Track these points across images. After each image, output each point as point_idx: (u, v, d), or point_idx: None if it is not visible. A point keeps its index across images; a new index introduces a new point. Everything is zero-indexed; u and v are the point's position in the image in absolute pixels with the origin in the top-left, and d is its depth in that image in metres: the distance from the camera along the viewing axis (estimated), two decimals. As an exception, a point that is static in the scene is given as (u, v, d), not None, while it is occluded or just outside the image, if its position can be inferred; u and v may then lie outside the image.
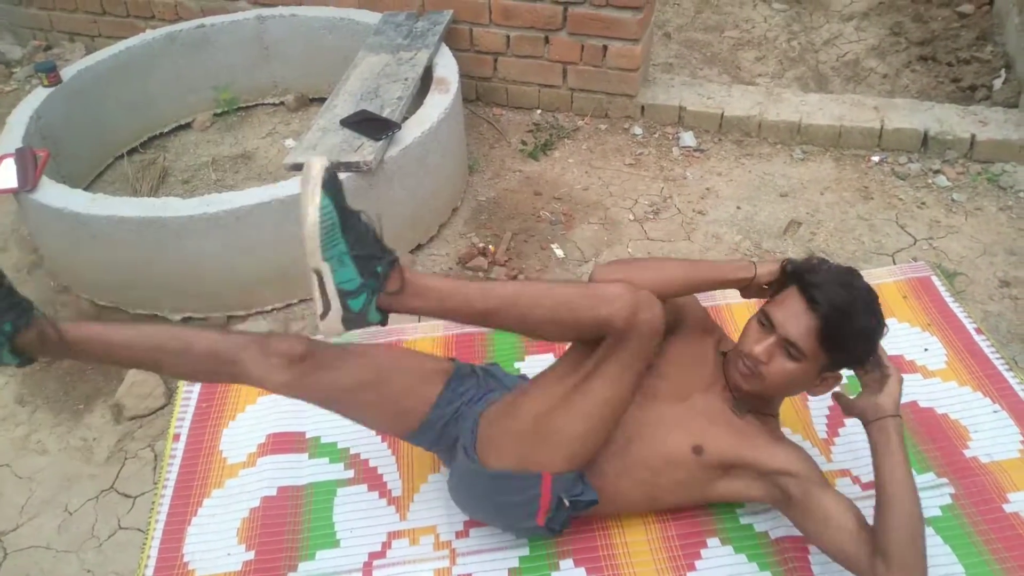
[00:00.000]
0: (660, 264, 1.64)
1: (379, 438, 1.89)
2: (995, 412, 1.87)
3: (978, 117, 2.80)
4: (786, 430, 1.83)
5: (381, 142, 2.28)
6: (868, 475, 1.74)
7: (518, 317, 1.41)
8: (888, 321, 2.09)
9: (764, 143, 2.93)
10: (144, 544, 1.70)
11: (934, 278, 2.23)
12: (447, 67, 2.71)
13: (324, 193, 1.24)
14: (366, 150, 2.25)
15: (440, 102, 2.51)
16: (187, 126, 3.19)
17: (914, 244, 2.46)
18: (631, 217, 2.64)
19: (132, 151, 3.05)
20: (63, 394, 2.14)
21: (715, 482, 1.54)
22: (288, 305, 2.35)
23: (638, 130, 3.02)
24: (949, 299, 2.17)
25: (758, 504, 1.69)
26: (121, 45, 2.96)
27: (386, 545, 1.67)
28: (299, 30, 3.10)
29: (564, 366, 1.50)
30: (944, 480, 1.72)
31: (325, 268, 1.28)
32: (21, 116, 2.55)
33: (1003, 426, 1.83)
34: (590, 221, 2.63)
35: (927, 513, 1.66)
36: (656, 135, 3.00)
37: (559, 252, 2.51)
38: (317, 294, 1.30)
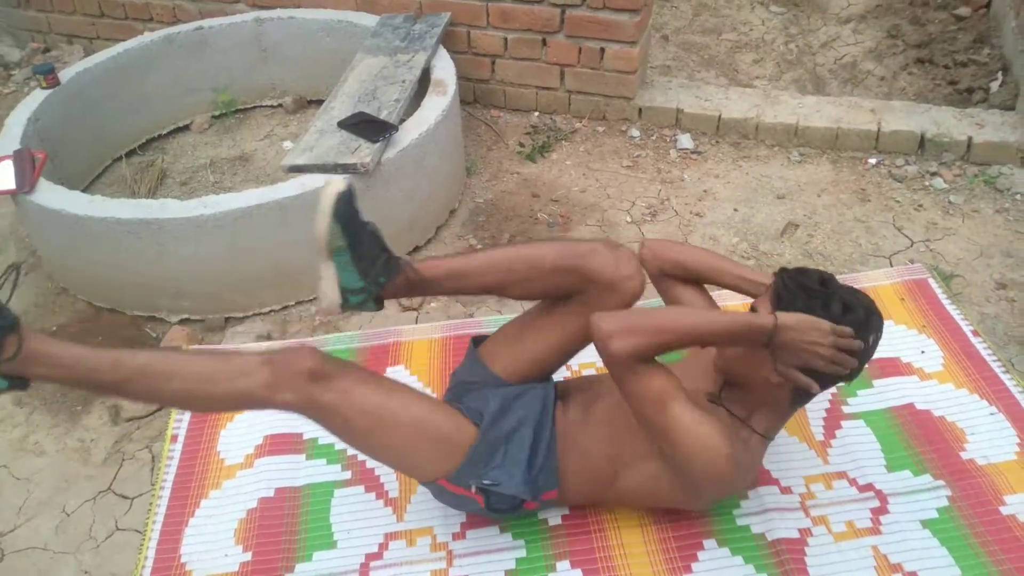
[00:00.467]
0: (694, 248, 1.76)
1: (376, 440, 1.90)
2: (992, 414, 1.87)
3: (975, 119, 2.81)
4: (783, 431, 1.84)
5: (378, 144, 2.28)
6: (865, 477, 1.75)
7: (152, 389, 1.40)
8: (885, 323, 2.11)
9: (761, 145, 2.94)
10: (141, 545, 1.71)
11: (931, 280, 2.24)
12: (445, 69, 2.71)
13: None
14: (363, 152, 2.25)
15: (437, 104, 2.51)
16: (185, 128, 3.19)
17: (911, 246, 2.47)
18: (628, 219, 2.65)
19: (130, 153, 3.05)
20: (61, 395, 2.14)
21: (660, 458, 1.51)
22: (286, 307, 2.35)
23: (635, 132, 3.02)
24: (946, 301, 2.17)
25: (755, 505, 1.69)
26: (119, 47, 2.96)
27: (383, 546, 1.67)
28: (297, 32, 3.11)
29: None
30: (941, 482, 1.73)
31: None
32: (19, 118, 2.55)
33: (1000, 428, 1.84)
34: (587, 223, 2.64)
35: (923, 515, 1.67)
36: (653, 137, 3.01)
37: (557, 254, 2.51)
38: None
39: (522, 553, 1.63)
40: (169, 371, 1.39)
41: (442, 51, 2.83)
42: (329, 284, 1.48)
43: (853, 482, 1.74)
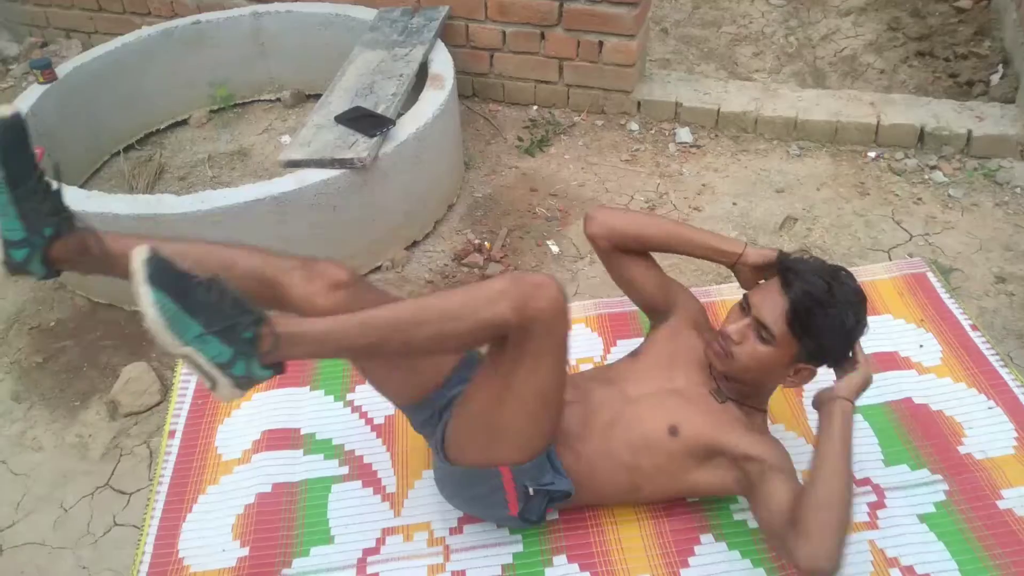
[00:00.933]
0: (649, 215, 1.67)
1: (374, 434, 1.90)
2: (990, 408, 1.87)
3: (975, 113, 2.80)
4: (780, 426, 1.84)
5: (376, 138, 2.27)
6: (862, 471, 1.75)
7: (405, 343, 1.34)
8: (883, 317, 2.11)
9: (760, 139, 2.93)
10: (139, 541, 1.71)
11: (930, 274, 2.23)
12: (443, 63, 2.71)
13: (152, 288, 1.19)
14: (361, 146, 2.25)
15: (435, 98, 2.50)
16: (183, 123, 3.18)
17: (910, 240, 2.46)
18: (627, 213, 2.64)
19: (128, 148, 3.05)
20: (59, 391, 2.14)
21: (693, 470, 1.53)
22: (284, 302, 2.34)
23: (634, 126, 3.01)
24: (945, 295, 2.16)
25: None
26: (117, 42, 2.95)
27: (380, 541, 1.67)
28: (295, 26, 3.10)
29: (491, 360, 1.46)
30: (938, 477, 1.73)
31: (190, 351, 1.22)
32: (16, 113, 2.54)
33: (998, 423, 1.84)
34: (586, 217, 2.63)
35: (920, 510, 1.67)
36: (652, 131, 3.00)
37: (555, 248, 2.51)
38: (198, 373, 1.26)
39: (519, 548, 1.64)
40: (417, 319, 1.33)
41: (440, 45, 2.82)
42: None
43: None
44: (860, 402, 1.87)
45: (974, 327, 2.06)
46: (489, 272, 2.41)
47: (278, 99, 3.28)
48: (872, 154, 2.81)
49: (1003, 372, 1.95)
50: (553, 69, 3.05)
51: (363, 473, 1.81)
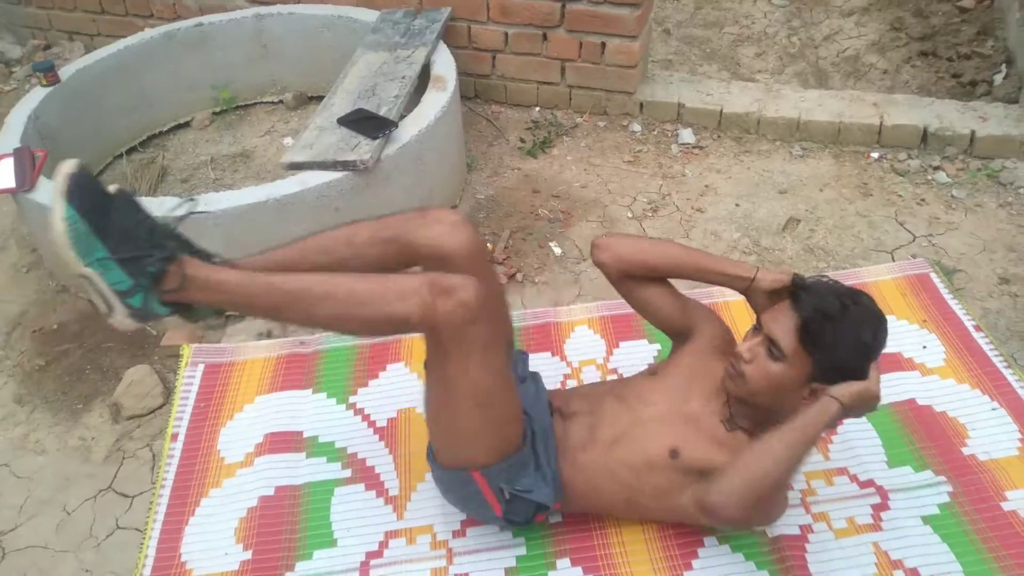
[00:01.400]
0: (658, 241, 1.64)
1: (376, 437, 1.90)
2: (993, 410, 1.86)
3: (978, 113, 2.79)
4: (783, 428, 1.83)
5: (378, 140, 2.27)
6: (865, 473, 1.75)
7: (307, 313, 1.35)
8: (887, 318, 2.10)
9: (763, 140, 2.92)
10: (142, 544, 1.71)
11: (933, 275, 2.23)
12: (445, 65, 2.71)
13: (66, 203, 1.18)
14: (363, 149, 2.25)
15: (438, 100, 2.50)
16: (186, 125, 3.19)
17: (913, 241, 2.46)
18: (629, 215, 2.64)
19: (131, 150, 3.05)
20: (61, 394, 2.14)
21: (688, 490, 1.50)
22: (286, 304, 2.34)
23: (637, 127, 3.01)
24: (948, 296, 2.16)
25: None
26: (120, 44, 2.96)
27: (383, 544, 1.67)
28: (297, 28, 3.10)
29: (428, 360, 1.46)
30: (942, 478, 1.72)
31: (90, 273, 1.21)
32: (19, 116, 2.54)
33: (1001, 424, 1.83)
34: (588, 219, 2.63)
35: (924, 511, 1.67)
36: (655, 132, 2.99)
37: (557, 250, 2.51)
38: (95, 296, 1.24)
39: (522, 551, 1.63)
40: (323, 293, 1.34)
41: (442, 46, 2.82)
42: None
43: (854, 478, 1.74)
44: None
45: (977, 328, 2.06)
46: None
47: (280, 101, 3.28)
48: (875, 155, 2.80)
49: (1007, 373, 1.94)
50: (555, 70, 3.05)
51: (366, 476, 1.81)
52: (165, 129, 3.15)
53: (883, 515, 1.66)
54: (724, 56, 3.49)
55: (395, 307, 1.32)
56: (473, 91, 3.20)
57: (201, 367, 2.06)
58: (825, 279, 1.48)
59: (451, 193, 2.69)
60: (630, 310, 2.14)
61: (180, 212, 1.40)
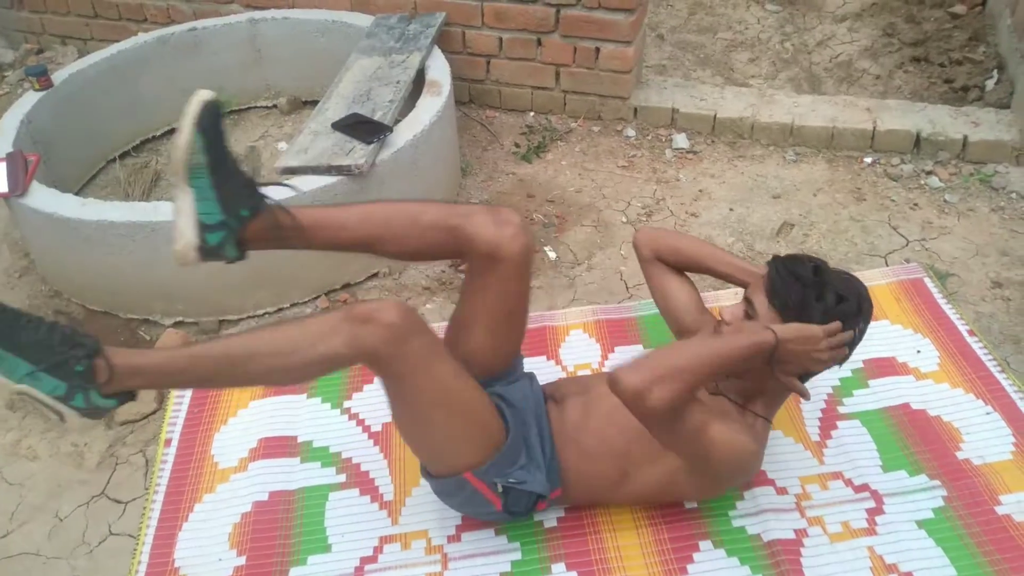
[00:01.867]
0: (686, 235, 1.83)
1: (371, 442, 1.89)
2: (987, 414, 1.87)
3: (970, 118, 2.81)
4: (778, 432, 1.84)
5: (373, 145, 2.27)
6: (860, 477, 1.75)
7: (239, 375, 1.38)
8: (880, 323, 2.12)
9: (757, 145, 2.93)
10: (135, 550, 1.70)
11: (926, 279, 2.24)
12: (439, 70, 2.71)
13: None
14: (357, 153, 2.24)
15: (432, 105, 2.51)
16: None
17: (907, 245, 2.47)
18: (624, 219, 2.64)
19: (124, 155, 3.04)
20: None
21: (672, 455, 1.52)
22: (280, 309, 2.34)
23: (631, 132, 3.02)
24: (941, 301, 2.17)
25: (751, 506, 1.69)
26: (113, 48, 2.95)
27: (378, 550, 1.67)
28: (291, 33, 3.10)
29: (382, 384, 1.49)
30: (936, 482, 1.72)
31: (25, 389, 1.26)
32: (11, 120, 2.53)
33: (995, 428, 1.84)
34: (583, 224, 2.63)
35: (919, 516, 1.67)
36: (649, 137, 3.00)
37: (552, 254, 2.51)
38: (41, 409, 1.28)
39: (517, 556, 1.63)
40: (246, 353, 1.35)
41: (437, 51, 2.82)
42: (186, 219, 1.32)
43: (848, 483, 1.74)
44: (858, 408, 1.90)
45: (971, 332, 2.07)
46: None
47: (274, 106, 3.28)
48: (868, 160, 2.81)
49: (1000, 377, 1.95)
50: (550, 75, 3.05)
51: (360, 481, 1.80)
52: (159, 133, 3.14)
53: (878, 519, 1.66)
54: (718, 61, 3.50)
55: (320, 348, 1.33)
56: (468, 96, 3.20)
57: (195, 372, 2.05)
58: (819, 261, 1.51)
59: (446, 198, 2.68)
60: (625, 315, 2.16)
61: (252, 161, 1.44)
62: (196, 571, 1.65)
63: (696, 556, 1.61)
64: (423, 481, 1.77)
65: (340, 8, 3.11)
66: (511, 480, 1.50)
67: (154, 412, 2.05)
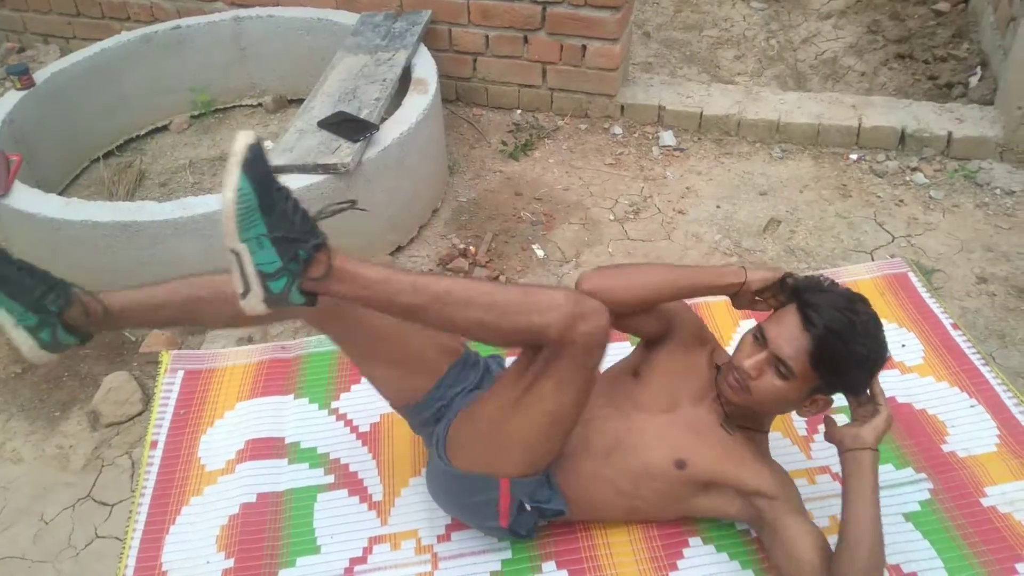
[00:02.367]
0: (646, 271, 1.59)
1: (359, 442, 1.88)
2: (972, 407, 1.88)
3: (955, 115, 2.83)
4: (775, 434, 1.84)
5: (359, 144, 2.26)
6: (848, 472, 1.75)
7: (446, 317, 1.33)
8: (881, 322, 2.11)
9: (743, 142, 2.94)
10: (122, 553, 1.68)
11: (911, 274, 2.25)
12: (426, 67, 2.70)
13: (243, 174, 1.18)
14: (344, 152, 2.23)
15: (419, 103, 2.50)
16: (164, 128, 3.16)
17: (892, 241, 2.48)
18: (611, 217, 2.65)
19: (108, 154, 3.02)
20: (38, 401, 2.11)
21: (695, 497, 1.54)
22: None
23: (618, 130, 3.02)
24: (926, 295, 2.18)
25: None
26: (96, 47, 2.93)
27: (367, 550, 1.66)
28: (276, 31, 3.08)
29: (515, 369, 1.46)
30: (922, 475, 1.74)
31: (242, 249, 1.21)
32: (-7, 120, 2.51)
33: (980, 421, 1.85)
34: (571, 221, 2.63)
35: (905, 508, 1.68)
36: (636, 135, 3.00)
37: (540, 252, 2.51)
38: (236, 274, 1.24)
39: (507, 555, 1.63)
40: (466, 299, 1.32)
41: (423, 49, 2.81)
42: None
43: (836, 476, 1.75)
44: (844, 403, 1.90)
45: (955, 326, 2.08)
46: (475, 277, 2.41)
47: (260, 104, 3.26)
48: (854, 156, 2.83)
49: (984, 371, 1.96)
50: (536, 73, 3.05)
51: (349, 482, 1.79)
52: (143, 133, 3.12)
53: (865, 513, 1.67)
54: (704, 59, 3.51)
55: (535, 318, 1.31)
56: (454, 94, 3.19)
57: (180, 373, 2.04)
58: (820, 277, 1.47)
59: (433, 196, 2.68)
60: (613, 312, 2.15)
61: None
62: (184, 574, 1.63)
63: (686, 552, 1.62)
64: (412, 481, 1.77)
65: (325, 6, 3.09)
66: (537, 499, 1.50)
67: (140, 413, 2.04)
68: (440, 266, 2.46)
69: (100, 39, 3.00)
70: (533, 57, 3.01)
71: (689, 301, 1.76)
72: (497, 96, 3.15)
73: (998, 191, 2.64)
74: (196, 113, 3.18)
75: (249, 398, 1.98)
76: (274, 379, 2.02)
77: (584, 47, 2.92)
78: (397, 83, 2.61)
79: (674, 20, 3.77)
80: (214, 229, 2.12)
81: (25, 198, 2.21)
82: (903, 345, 2.04)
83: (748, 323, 2.07)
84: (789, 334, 1.40)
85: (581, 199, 2.73)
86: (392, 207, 2.45)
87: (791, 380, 1.42)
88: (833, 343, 1.37)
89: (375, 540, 1.67)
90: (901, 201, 2.64)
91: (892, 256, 2.39)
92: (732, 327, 2.10)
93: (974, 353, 2.01)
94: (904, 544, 1.62)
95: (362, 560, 1.64)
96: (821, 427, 1.84)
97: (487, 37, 3.01)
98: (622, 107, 3.04)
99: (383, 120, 2.43)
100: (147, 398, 2.06)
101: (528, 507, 1.50)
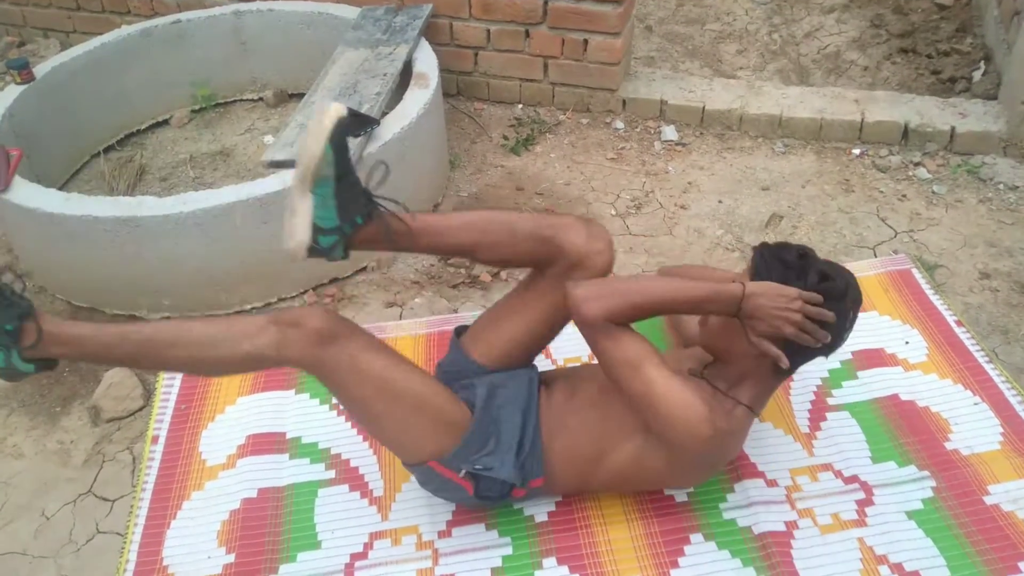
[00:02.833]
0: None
1: (360, 437, 1.88)
2: (976, 404, 1.88)
3: (958, 109, 2.81)
4: (768, 424, 1.84)
5: (360, 138, 2.25)
6: (850, 469, 1.76)
7: (160, 360, 1.46)
8: (869, 314, 2.12)
9: (746, 136, 2.93)
10: (123, 548, 1.68)
11: (915, 271, 2.24)
12: (427, 62, 2.69)
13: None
14: (345, 147, 2.22)
15: (420, 97, 2.49)
16: (164, 123, 3.15)
17: (895, 237, 2.47)
18: (613, 212, 2.64)
19: (108, 149, 3.01)
20: (39, 397, 2.10)
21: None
22: (268, 304, 2.32)
23: (620, 124, 3.01)
24: (930, 292, 2.17)
25: (741, 499, 1.69)
26: (96, 41, 2.91)
27: (368, 546, 1.66)
28: (277, 25, 3.07)
29: (332, 387, 1.53)
30: (925, 473, 1.73)
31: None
32: (-7, 114, 2.50)
33: (983, 418, 1.84)
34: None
35: (908, 506, 1.68)
36: (638, 129, 2.99)
37: (541, 248, 2.50)
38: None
39: (508, 551, 1.63)
40: (171, 339, 1.43)
41: (424, 43, 2.80)
42: (302, 220, 1.40)
43: (838, 474, 1.75)
44: (847, 399, 1.91)
45: (959, 323, 2.07)
46: (475, 272, 2.40)
47: (260, 98, 3.25)
48: (856, 151, 2.82)
49: (988, 368, 1.96)
50: (538, 67, 3.04)
51: (350, 477, 1.79)
52: (143, 127, 3.11)
53: (868, 510, 1.67)
54: (706, 53, 3.49)
55: (245, 346, 1.40)
56: (456, 88, 3.18)
57: (182, 368, 2.04)
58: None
59: (434, 191, 2.67)
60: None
61: (377, 176, 1.51)
62: (185, 569, 1.64)
63: (687, 549, 1.61)
64: (413, 477, 1.76)
65: (326, 0, 3.08)
66: (477, 467, 1.51)
67: (141, 409, 2.03)
68: (441, 261, 2.45)
69: (100, 33, 2.99)
70: (535, 51, 2.99)
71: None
72: (498, 90, 3.14)
73: (1001, 186, 2.63)
74: (197, 107, 3.16)
75: (250, 393, 1.98)
76: (275, 373, 2.02)
77: (586, 41, 2.91)
78: (398, 77, 2.60)
79: (676, 14, 3.76)
80: (215, 224, 2.13)
81: (25, 193, 2.20)
82: (907, 342, 2.04)
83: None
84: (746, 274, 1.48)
85: (583, 194, 2.72)
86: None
87: None
88: (770, 258, 1.43)
89: (376, 535, 1.67)
90: (904, 196, 2.63)
91: (895, 251, 2.39)
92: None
93: (978, 350, 2.00)
94: (907, 542, 1.61)
95: (363, 555, 1.64)
96: (824, 424, 1.86)
97: (488, 31, 2.99)
98: (624, 101, 3.03)
99: (384, 115, 2.42)
100: (148, 393, 2.05)
101: (463, 473, 1.52)
